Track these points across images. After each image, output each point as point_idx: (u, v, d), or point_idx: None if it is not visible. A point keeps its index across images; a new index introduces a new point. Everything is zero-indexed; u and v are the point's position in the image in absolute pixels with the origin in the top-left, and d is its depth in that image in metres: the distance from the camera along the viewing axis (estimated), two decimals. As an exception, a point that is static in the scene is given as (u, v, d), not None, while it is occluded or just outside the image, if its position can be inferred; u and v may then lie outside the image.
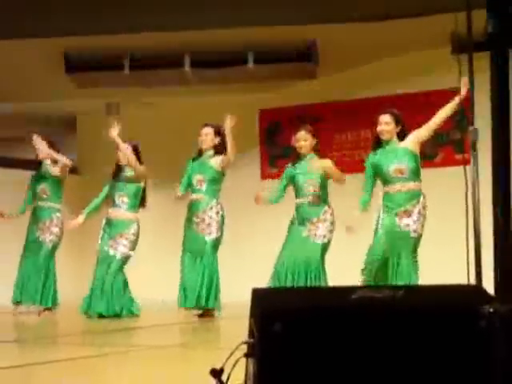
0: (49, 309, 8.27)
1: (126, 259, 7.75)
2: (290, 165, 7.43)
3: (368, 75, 9.83)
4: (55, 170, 8.38)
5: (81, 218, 7.96)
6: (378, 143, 6.69)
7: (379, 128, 6.61)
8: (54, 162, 8.41)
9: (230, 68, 9.42)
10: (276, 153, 10.57)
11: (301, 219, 7.18)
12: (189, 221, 7.57)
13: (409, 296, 2.15)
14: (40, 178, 8.45)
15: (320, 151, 7.33)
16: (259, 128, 10.73)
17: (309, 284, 6.94)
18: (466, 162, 3.61)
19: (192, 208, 7.59)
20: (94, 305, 7.58)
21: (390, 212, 6.53)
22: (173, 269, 8.16)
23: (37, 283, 8.21)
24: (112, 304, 7.58)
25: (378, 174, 6.67)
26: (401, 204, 6.52)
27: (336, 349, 2.07)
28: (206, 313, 7.43)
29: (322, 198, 7.22)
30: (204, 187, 7.55)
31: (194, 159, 7.68)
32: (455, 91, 5.98)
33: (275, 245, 7.66)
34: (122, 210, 7.80)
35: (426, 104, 9.23)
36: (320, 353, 2.09)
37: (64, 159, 8.29)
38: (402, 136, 6.62)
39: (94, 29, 8.74)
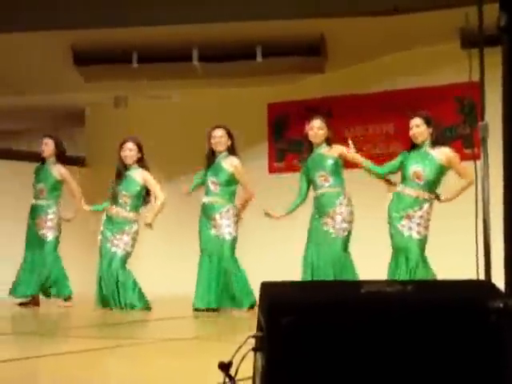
0: (66, 299, 8.32)
1: (127, 256, 7.82)
2: (302, 160, 7.42)
3: (377, 70, 9.80)
4: (57, 172, 8.39)
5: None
6: (414, 147, 6.82)
7: (411, 132, 6.76)
8: (58, 161, 8.44)
9: (238, 62, 9.40)
10: (284, 147, 10.56)
11: (319, 212, 7.16)
12: (204, 223, 7.53)
13: (419, 291, 2.14)
14: (41, 175, 8.46)
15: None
16: (267, 122, 10.71)
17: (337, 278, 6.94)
18: (475, 157, 3.60)
19: (207, 211, 7.55)
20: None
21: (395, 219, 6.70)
22: (183, 262, 8.15)
23: (45, 277, 8.24)
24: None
25: (401, 170, 6.84)
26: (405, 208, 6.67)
27: (345, 343, 2.07)
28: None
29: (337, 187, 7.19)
30: (218, 190, 7.53)
31: (208, 164, 7.64)
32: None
33: (288, 237, 7.66)
34: (124, 210, 7.86)
35: (435, 98, 9.21)
36: (329, 347, 2.08)
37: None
38: (435, 138, 6.73)
39: (103, 22, 8.73)
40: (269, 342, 2.09)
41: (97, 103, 11.44)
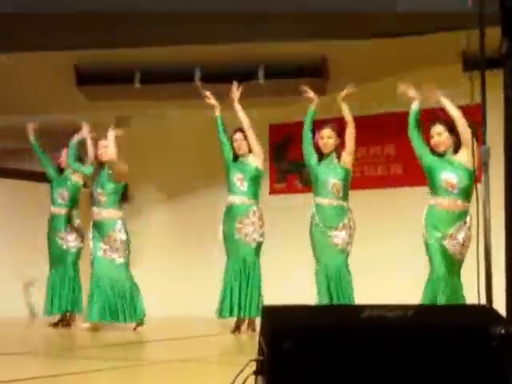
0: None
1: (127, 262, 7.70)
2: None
3: (378, 92, 9.81)
4: (76, 176, 8.46)
5: None
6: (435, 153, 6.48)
7: (433, 141, 6.47)
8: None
9: (240, 83, 9.41)
10: (285, 168, 10.55)
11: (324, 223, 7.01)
12: (230, 227, 7.41)
13: (420, 316, 2.13)
14: (60, 182, 8.52)
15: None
16: (269, 143, 10.71)
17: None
18: (476, 181, 3.61)
19: (233, 211, 7.43)
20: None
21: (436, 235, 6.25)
22: (183, 282, 8.05)
23: (68, 293, 8.19)
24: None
25: (430, 179, 6.43)
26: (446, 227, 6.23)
27: (346, 367, 2.06)
28: (249, 322, 7.28)
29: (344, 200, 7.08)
30: (245, 187, 7.46)
31: (233, 160, 7.59)
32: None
33: (291, 255, 7.56)
34: (102, 209, 7.72)
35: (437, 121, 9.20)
36: (329, 371, 2.07)
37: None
38: (456, 145, 6.44)
39: (105, 42, 8.76)
40: (270, 366, 2.08)
41: (98, 123, 11.45)
